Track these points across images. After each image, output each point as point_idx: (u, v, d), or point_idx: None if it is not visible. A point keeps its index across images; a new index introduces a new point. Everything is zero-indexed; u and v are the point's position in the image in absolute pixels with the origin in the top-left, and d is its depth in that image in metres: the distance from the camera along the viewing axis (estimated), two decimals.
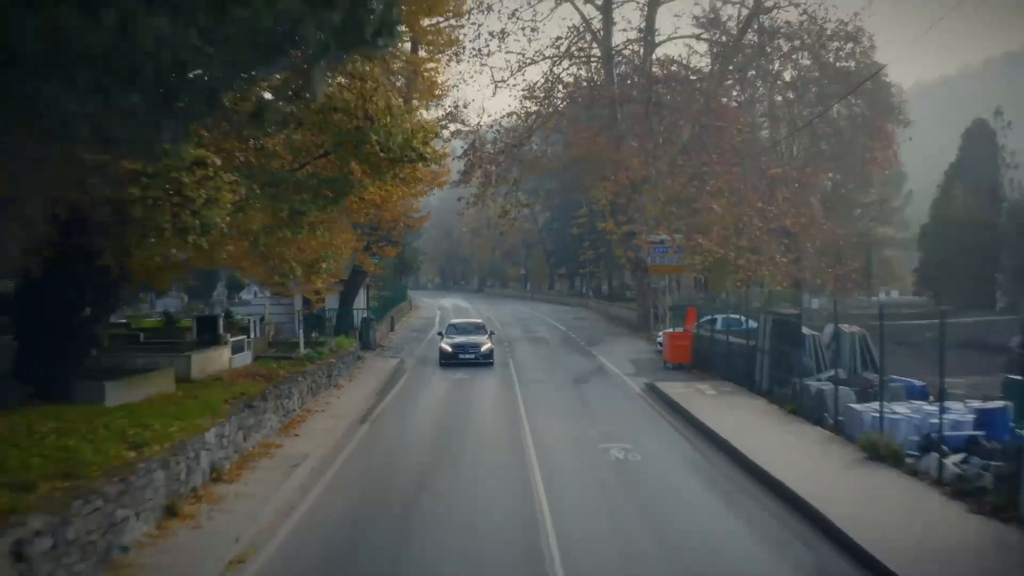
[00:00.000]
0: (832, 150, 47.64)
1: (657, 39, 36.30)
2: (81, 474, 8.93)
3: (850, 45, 47.69)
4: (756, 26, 38.16)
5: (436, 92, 21.93)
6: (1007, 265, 35.35)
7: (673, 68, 41.11)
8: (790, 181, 34.75)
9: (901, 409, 13.66)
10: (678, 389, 20.08)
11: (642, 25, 35.56)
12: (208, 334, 19.18)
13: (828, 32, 41.80)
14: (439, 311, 56.21)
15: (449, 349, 25.82)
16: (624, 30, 37.17)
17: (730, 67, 40.73)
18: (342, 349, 25.27)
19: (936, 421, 12.35)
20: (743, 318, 22.01)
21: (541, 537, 9.50)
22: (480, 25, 35.56)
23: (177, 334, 22.86)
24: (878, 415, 13.31)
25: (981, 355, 15.09)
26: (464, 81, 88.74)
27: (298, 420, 16.50)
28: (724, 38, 39.36)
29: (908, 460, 11.97)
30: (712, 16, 41.29)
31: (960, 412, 13.23)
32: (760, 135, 35.25)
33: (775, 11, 37.97)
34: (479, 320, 31.11)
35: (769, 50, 43.91)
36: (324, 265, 16.28)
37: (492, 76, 69.91)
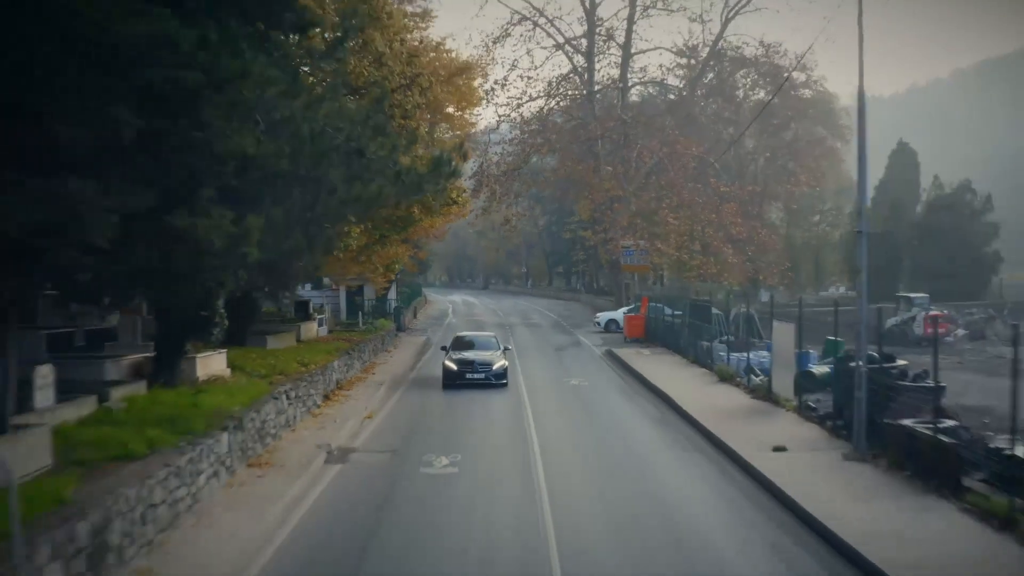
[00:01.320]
0: (787, 168, 56.40)
1: (630, 83, 44.99)
2: (286, 373, 17.59)
3: (803, 76, 56.61)
4: (713, 71, 46.66)
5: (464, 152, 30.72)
6: (906, 266, 43.94)
7: (651, 92, 49.90)
8: (734, 197, 43.16)
9: (758, 359, 22.23)
10: (626, 352, 28.71)
11: (616, 75, 44.32)
12: (302, 313, 27.86)
13: (784, 65, 50.64)
14: (450, 304, 64.95)
15: (454, 368, 21.89)
16: (599, 82, 45.66)
17: (697, 93, 49.48)
18: (385, 328, 33.92)
19: (762, 360, 20.99)
20: (666, 306, 30.69)
21: (523, 413, 18.10)
22: (488, 75, 44.05)
23: (265, 315, 31.54)
24: (730, 358, 21.96)
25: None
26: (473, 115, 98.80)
27: (370, 367, 25.20)
28: (686, 81, 48.01)
29: (738, 380, 20.60)
30: (686, 48, 50.16)
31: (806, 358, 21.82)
32: (710, 160, 43.59)
33: (727, 60, 46.49)
34: (490, 333, 26.74)
35: (736, 78, 52.70)
36: (397, 266, 24.95)
37: (497, 112, 78.66)
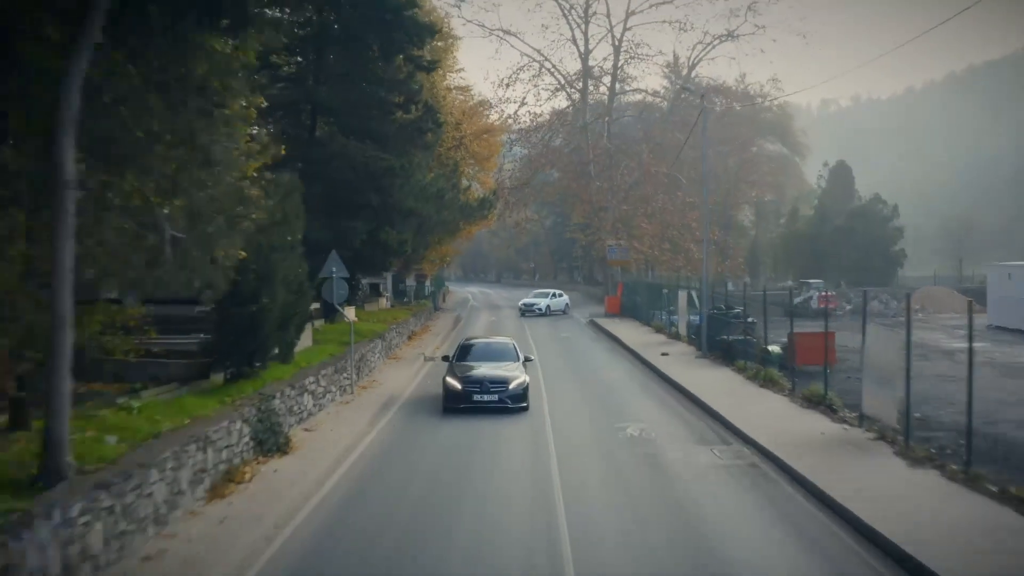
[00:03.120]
0: (748, 180, 68.07)
1: (614, 117, 56.88)
2: (387, 322, 29.50)
3: (768, 101, 68.26)
4: (681, 105, 58.43)
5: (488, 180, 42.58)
6: (831, 262, 55.76)
7: (632, 117, 61.57)
8: (699, 207, 54.79)
9: (674, 317, 34.04)
10: (603, 321, 40.55)
11: (604, 106, 56.17)
12: (375, 292, 39.80)
13: (752, 92, 62.58)
14: (469, 294, 76.86)
15: (459, 387, 17.12)
16: (592, 108, 57.54)
17: (681, 101, 61.14)
18: (427, 305, 45.86)
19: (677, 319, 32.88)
20: (635, 289, 42.49)
21: (531, 349, 29.94)
22: (503, 111, 55.73)
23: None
24: (663, 318, 33.83)
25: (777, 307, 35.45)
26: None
27: (425, 328, 37.12)
28: (667, 103, 59.90)
29: (665, 330, 32.43)
30: (668, 73, 62.15)
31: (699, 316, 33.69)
32: (679, 176, 55.23)
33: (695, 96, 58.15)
34: (508, 339, 21.13)
35: (710, 102, 64.33)
36: (447, 259, 36.84)
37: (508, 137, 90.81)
